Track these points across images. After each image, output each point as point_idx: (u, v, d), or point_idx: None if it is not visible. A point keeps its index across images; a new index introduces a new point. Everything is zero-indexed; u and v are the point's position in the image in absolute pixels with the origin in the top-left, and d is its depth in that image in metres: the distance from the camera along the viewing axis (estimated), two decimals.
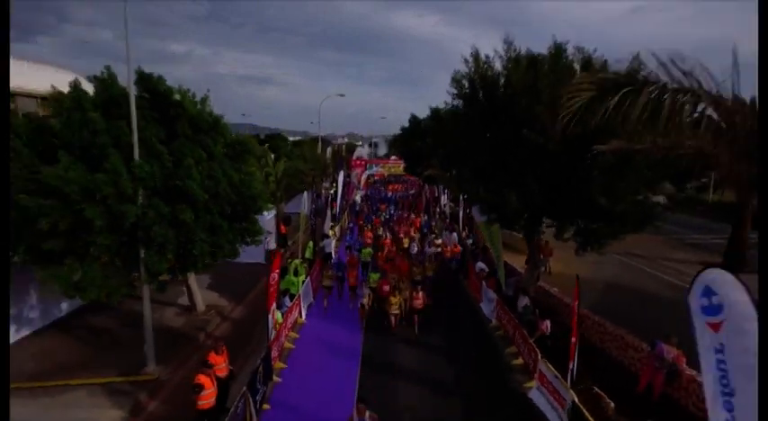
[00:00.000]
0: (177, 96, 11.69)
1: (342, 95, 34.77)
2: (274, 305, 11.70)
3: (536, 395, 10.26)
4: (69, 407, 9.88)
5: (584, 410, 8.09)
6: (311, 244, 19.76)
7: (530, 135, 9.73)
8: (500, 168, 10.77)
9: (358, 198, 41.63)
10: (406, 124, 36.54)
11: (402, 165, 40.73)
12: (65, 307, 14.71)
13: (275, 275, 11.38)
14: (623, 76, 6.95)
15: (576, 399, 8.54)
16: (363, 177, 47.02)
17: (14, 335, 12.78)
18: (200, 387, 8.52)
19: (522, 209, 10.76)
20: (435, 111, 31.29)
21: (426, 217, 28.88)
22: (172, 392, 10.82)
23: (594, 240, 11.68)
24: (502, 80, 11.77)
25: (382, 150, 67.87)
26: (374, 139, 64.49)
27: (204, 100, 12.32)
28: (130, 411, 9.91)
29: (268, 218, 21.63)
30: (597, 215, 11.13)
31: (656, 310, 15.81)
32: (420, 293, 13.87)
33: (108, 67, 10.98)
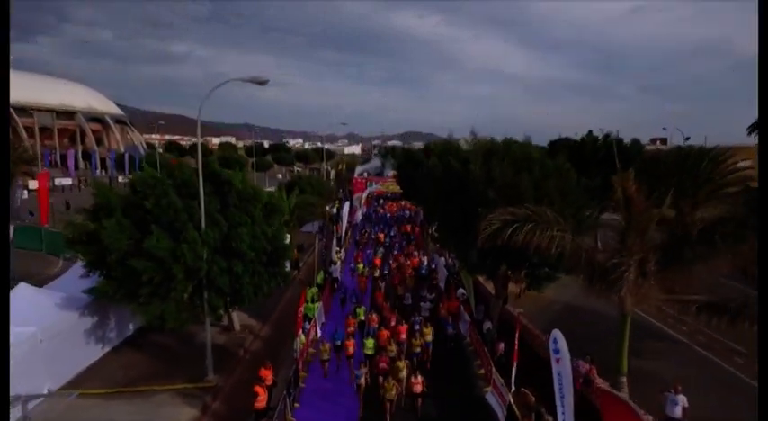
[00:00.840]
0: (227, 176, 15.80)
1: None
2: (300, 331, 15.81)
3: (490, 397, 14.33)
4: (159, 406, 13.94)
5: (513, 404, 12.20)
6: (322, 273, 23.86)
7: (483, 212, 13.75)
8: (465, 232, 14.77)
9: (359, 215, 45.93)
10: (406, 125, 40.70)
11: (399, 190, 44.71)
12: (131, 327, 18.76)
13: (302, 310, 15.47)
14: (519, 214, 10.90)
15: (511, 399, 12.65)
16: (364, 195, 51.24)
17: (101, 351, 16.81)
18: (257, 394, 12.62)
19: (480, 263, 14.78)
20: (427, 146, 35.58)
21: (426, 258, 28.56)
22: (227, 395, 14.92)
23: (536, 283, 15.72)
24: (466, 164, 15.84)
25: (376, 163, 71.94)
26: (374, 143, 68.24)
27: (245, 175, 16.43)
28: (201, 410, 13.98)
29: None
30: (536, 263, 15.19)
31: (597, 328, 19.82)
32: (419, 377, 13.56)
33: (180, 162, 15.07)
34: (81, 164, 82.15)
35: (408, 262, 27.56)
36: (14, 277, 23.23)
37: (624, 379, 12.46)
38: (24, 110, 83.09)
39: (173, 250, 13.51)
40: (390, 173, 72.73)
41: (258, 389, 12.71)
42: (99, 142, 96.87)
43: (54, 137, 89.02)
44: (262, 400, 12.79)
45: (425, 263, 27.71)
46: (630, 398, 11.33)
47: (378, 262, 26.74)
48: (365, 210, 49.48)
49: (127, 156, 72.77)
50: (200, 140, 14.83)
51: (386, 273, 26.13)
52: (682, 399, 11.89)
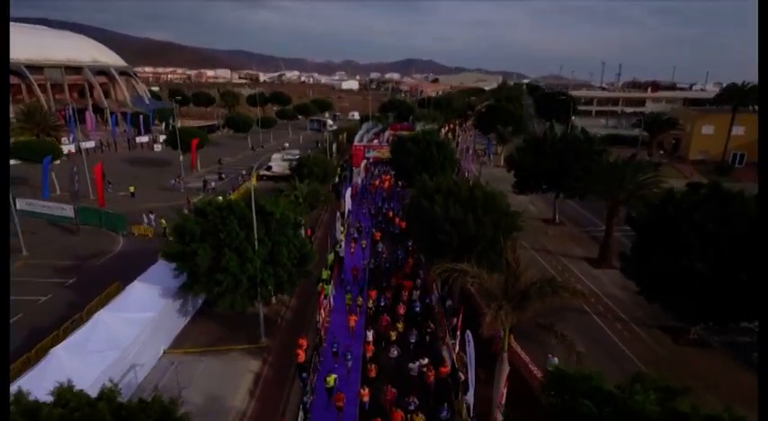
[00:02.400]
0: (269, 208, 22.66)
1: None
2: (321, 309, 23.56)
3: (445, 352, 22.29)
4: (234, 360, 21.86)
5: (455, 358, 20.11)
6: (332, 255, 31.21)
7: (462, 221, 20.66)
8: (429, 238, 21.80)
9: (359, 181, 52.95)
10: (406, 52, 47.15)
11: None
12: (199, 302, 26.37)
13: (322, 297, 23.09)
14: (457, 268, 17.79)
15: (454, 355, 20.55)
16: (363, 164, 57.75)
17: (185, 322, 24.57)
18: (298, 354, 20.45)
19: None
20: (416, 134, 41.88)
21: (419, 292, 27.51)
22: (276, 353, 22.85)
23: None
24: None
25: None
26: (371, 78, 72.37)
27: (281, 204, 23.30)
28: (261, 362, 21.93)
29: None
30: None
31: None
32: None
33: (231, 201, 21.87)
34: (95, 119, 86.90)
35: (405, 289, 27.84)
36: (90, 255, 31.41)
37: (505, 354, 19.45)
38: (35, 67, 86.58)
39: (240, 265, 20.77)
40: (387, 133, 78.51)
41: (299, 351, 20.57)
42: (107, 95, 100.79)
43: (65, 92, 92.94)
44: (301, 357, 20.67)
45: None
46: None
47: (378, 235, 35.53)
48: (363, 176, 56.34)
49: (141, 118, 77.48)
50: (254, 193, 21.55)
51: (381, 304, 25.95)
52: (555, 360, 19.74)
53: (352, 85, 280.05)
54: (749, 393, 19.73)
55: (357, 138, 63.33)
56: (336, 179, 51.90)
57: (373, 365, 20.26)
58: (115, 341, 19.15)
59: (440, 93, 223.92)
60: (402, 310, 24.80)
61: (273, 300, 26.41)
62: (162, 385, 18.84)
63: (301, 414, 17.15)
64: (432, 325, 23.54)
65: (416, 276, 29.27)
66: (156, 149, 72.83)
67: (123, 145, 74.49)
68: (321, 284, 26.52)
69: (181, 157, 55.32)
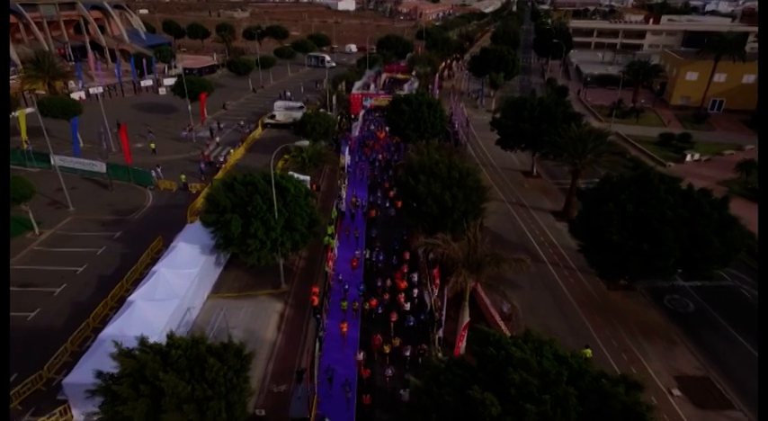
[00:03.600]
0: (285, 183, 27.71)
1: None
2: (330, 262, 29.54)
3: (426, 295, 28.56)
4: (262, 302, 28.17)
5: (432, 297, 26.42)
6: (335, 210, 36.63)
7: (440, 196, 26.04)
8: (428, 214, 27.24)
9: (356, 132, 57.24)
10: None
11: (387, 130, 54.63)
12: (228, 256, 32.21)
13: (329, 251, 28.97)
14: (436, 242, 23.00)
15: (433, 299, 26.81)
16: (361, 113, 61.50)
17: (218, 271, 30.62)
18: (313, 299, 26.68)
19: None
20: (408, 95, 45.72)
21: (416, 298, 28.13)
22: (295, 296, 29.12)
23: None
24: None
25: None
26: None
27: (298, 181, 28.34)
28: (284, 304, 28.26)
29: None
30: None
31: (496, 248, 33.51)
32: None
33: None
34: (95, 57, 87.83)
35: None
36: (127, 209, 36.60)
37: (465, 303, 25.41)
38: (30, 5, 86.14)
39: (265, 232, 26.32)
40: (384, 76, 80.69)
41: (314, 297, 26.80)
42: (102, 30, 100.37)
43: (61, 29, 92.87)
44: (315, 301, 26.92)
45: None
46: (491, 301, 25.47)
47: (386, 186, 40.79)
48: (360, 125, 60.42)
49: (144, 61, 78.97)
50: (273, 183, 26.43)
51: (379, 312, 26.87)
52: (507, 305, 26.04)
53: (348, 5, 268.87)
54: (653, 327, 26.62)
55: (355, 86, 66.25)
56: (336, 127, 55.92)
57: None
58: (174, 291, 25.20)
59: (440, 15, 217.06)
60: (395, 318, 25.41)
61: (290, 253, 32.30)
62: (216, 326, 25.12)
63: (317, 344, 23.60)
64: (425, 346, 23.84)
65: (413, 270, 30.33)
66: (160, 93, 75.44)
67: (128, 88, 76.92)
68: (327, 239, 32.27)
69: (189, 106, 58.79)
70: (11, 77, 67.96)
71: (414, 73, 75.53)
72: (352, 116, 62.29)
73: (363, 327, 26.19)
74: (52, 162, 43.21)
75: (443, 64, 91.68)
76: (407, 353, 23.18)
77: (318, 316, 25.70)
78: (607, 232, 23.81)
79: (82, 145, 49.74)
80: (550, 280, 30.79)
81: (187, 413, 13.98)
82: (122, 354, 15.05)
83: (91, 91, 69.45)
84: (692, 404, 21.47)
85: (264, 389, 21.92)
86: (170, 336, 16.31)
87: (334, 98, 57.58)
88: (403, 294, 27.41)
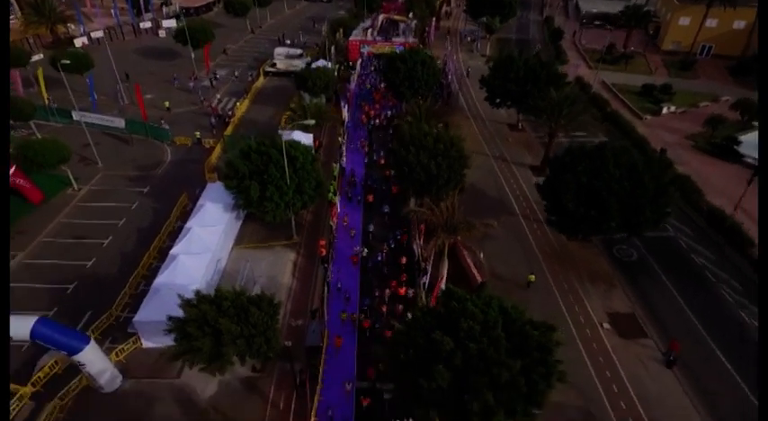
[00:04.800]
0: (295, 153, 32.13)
1: None
2: (334, 218, 34.79)
3: (415, 246, 34.13)
4: (278, 252, 33.75)
5: (420, 248, 32.10)
6: (337, 165, 41.13)
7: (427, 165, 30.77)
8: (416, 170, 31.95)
9: (353, 85, 59.97)
10: None
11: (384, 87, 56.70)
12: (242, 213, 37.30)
13: (333, 208, 34.13)
14: (424, 210, 27.87)
15: (421, 250, 32.43)
16: (359, 62, 63.65)
17: (239, 225, 35.91)
18: (322, 250, 32.25)
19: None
20: (404, 52, 48.54)
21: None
22: (305, 247, 34.64)
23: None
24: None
25: None
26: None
27: (305, 149, 32.73)
28: (296, 253, 33.87)
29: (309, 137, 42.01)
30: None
31: (477, 202, 38.59)
32: None
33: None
34: None
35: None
36: (149, 165, 40.93)
37: (445, 257, 31.37)
38: None
39: (279, 196, 31.23)
40: (381, 17, 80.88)
41: (321, 249, 32.34)
42: None
43: None
44: (322, 252, 32.50)
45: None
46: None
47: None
48: (360, 71, 62.91)
49: (141, 2, 78.66)
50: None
51: (376, 327, 28.00)
52: (480, 256, 31.64)
53: None
54: (599, 273, 32.52)
55: (353, 33, 67.61)
56: (336, 74, 58.56)
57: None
58: (206, 245, 30.59)
59: None
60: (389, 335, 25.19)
61: (300, 210, 37.50)
62: (245, 275, 30.77)
63: (325, 288, 29.42)
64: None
65: (411, 268, 31.96)
66: (160, 35, 76.29)
67: (128, 30, 77.50)
68: (330, 195, 37.23)
69: (192, 54, 60.89)
70: (11, 19, 68.54)
71: (411, 15, 75.92)
72: (350, 63, 64.56)
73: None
74: (74, 117, 46.88)
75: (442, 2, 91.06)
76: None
77: (326, 265, 31.36)
78: (564, 199, 28.80)
79: (96, 98, 52.83)
80: (521, 232, 36.21)
81: (239, 346, 19.89)
82: (188, 305, 20.65)
83: (92, 35, 70.47)
84: (617, 335, 27.78)
85: (285, 324, 28.03)
86: (218, 290, 21.90)
87: (332, 48, 59.59)
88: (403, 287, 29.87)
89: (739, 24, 68.02)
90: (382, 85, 55.93)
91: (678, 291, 30.74)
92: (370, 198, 39.12)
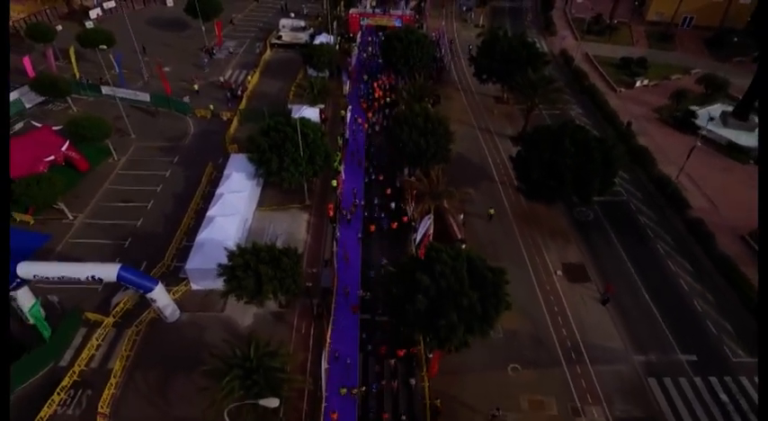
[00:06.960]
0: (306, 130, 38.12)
1: None
2: (339, 186, 41.26)
3: (409, 209, 40.78)
4: (294, 214, 40.37)
5: (411, 210, 38.87)
6: (340, 137, 47.02)
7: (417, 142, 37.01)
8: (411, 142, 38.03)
9: (354, 59, 64.54)
10: None
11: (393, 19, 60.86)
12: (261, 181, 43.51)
13: (339, 175, 40.55)
14: (417, 183, 34.15)
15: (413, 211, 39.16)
16: (359, 35, 67.96)
17: (259, 190, 42.35)
18: (329, 212, 38.92)
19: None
20: (399, 32, 53.46)
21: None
22: (316, 209, 41.15)
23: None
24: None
25: None
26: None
27: (315, 126, 38.71)
28: (309, 214, 40.51)
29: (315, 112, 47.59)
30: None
31: (463, 170, 44.84)
32: None
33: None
34: None
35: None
36: (176, 136, 46.79)
37: (430, 215, 38.21)
38: None
39: (295, 167, 37.53)
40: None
41: (329, 211, 39.00)
42: None
43: None
44: (330, 213, 39.17)
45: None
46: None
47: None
48: (360, 42, 67.31)
49: None
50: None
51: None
52: (461, 218, 38.31)
53: None
54: (559, 230, 39.15)
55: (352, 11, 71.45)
56: (337, 47, 63.29)
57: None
58: (236, 208, 37.17)
59: None
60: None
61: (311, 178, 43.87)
62: (270, 232, 37.48)
63: (335, 243, 36.27)
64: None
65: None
66: (168, 4, 79.70)
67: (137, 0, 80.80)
68: (336, 165, 43.44)
69: (203, 27, 65.19)
70: None
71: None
72: (351, 35, 68.92)
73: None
74: (104, 92, 52.37)
75: None
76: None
77: (334, 225, 38.10)
78: (530, 170, 35.22)
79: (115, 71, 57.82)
80: (498, 196, 42.74)
81: (274, 285, 26.93)
82: (234, 255, 27.52)
83: (105, 6, 74.11)
84: (567, 280, 34.92)
85: (303, 270, 35.08)
86: (255, 244, 28.70)
87: (334, 23, 63.93)
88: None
89: None
90: (381, 79, 59.25)
91: (621, 246, 37.71)
92: (372, 228, 39.39)
